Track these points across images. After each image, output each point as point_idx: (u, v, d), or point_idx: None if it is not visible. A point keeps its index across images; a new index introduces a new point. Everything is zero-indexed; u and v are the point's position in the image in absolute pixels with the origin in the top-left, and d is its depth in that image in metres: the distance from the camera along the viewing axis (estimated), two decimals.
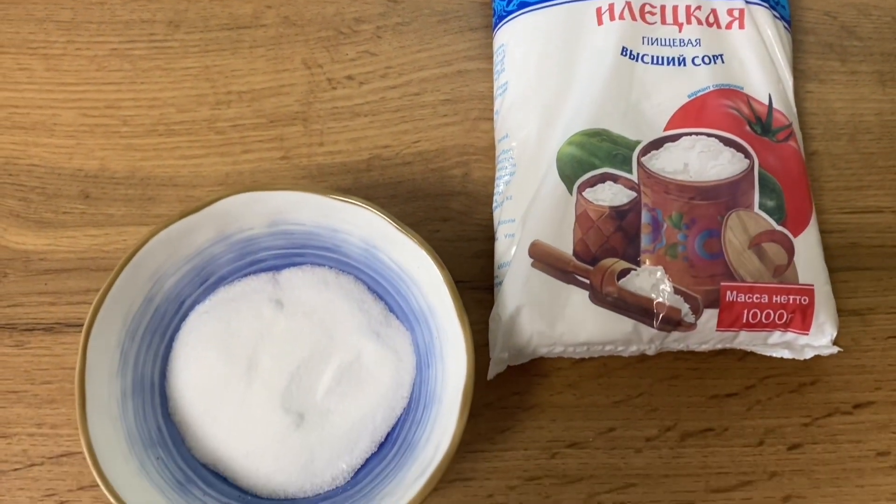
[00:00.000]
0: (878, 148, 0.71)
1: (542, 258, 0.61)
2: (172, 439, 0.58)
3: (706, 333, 0.61)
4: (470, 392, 0.53)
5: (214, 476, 0.58)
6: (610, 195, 0.62)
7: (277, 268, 0.63)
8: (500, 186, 0.66)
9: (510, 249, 0.63)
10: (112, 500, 0.50)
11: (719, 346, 0.63)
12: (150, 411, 0.58)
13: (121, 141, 0.70)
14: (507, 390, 0.64)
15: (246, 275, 0.63)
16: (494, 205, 0.66)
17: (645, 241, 0.61)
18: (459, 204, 0.69)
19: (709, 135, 0.64)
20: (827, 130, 0.72)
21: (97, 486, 0.61)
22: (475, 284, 0.67)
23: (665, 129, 0.64)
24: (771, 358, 0.65)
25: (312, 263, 0.63)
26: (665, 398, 0.64)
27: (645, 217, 0.62)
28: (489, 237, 0.68)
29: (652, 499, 0.62)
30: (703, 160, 0.63)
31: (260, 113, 0.71)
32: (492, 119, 0.71)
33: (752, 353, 0.65)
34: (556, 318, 0.61)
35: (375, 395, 0.60)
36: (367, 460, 0.59)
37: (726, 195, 0.62)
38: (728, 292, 0.61)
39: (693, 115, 0.65)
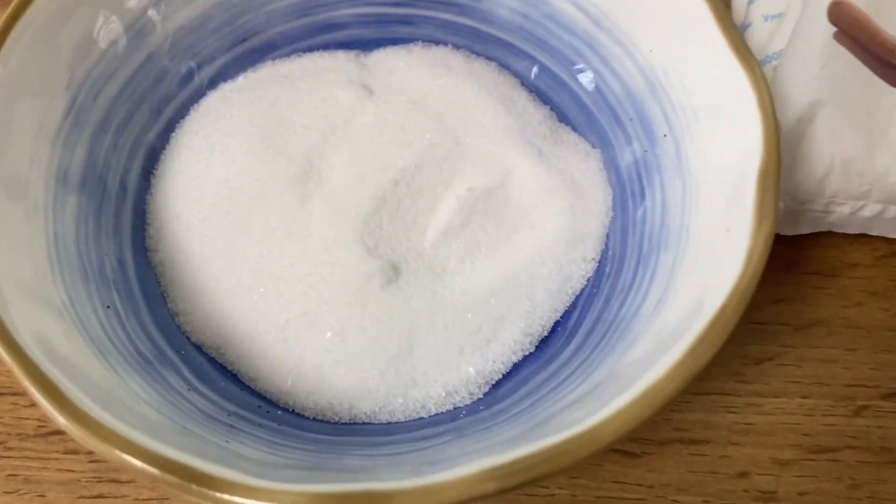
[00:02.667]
0: None
1: (852, 30, 0.34)
2: (144, 290, 0.30)
3: None
4: (775, 180, 0.25)
5: (215, 367, 0.30)
6: None
7: (365, 45, 0.37)
8: None
9: (776, 33, 0.36)
10: None
11: None
12: (111, 232, 0.31)
13: None
14: (764, 296, 0.35)
15: (311, 49, 0.36)
16: None
17: None
18: None
19: None
20: None
21: None
22: None
23: None
24: None
25: (426, 40, 0.37)
26: None
27: None
28: None
29: None
30: None
31: None
32: None
33: None
34: (877, 138, 0.33)
35: (534, 249, 0.31)
36: (516, 366, 0.30)
37: None
38: None
39: None
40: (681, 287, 0.26)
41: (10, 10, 0.28)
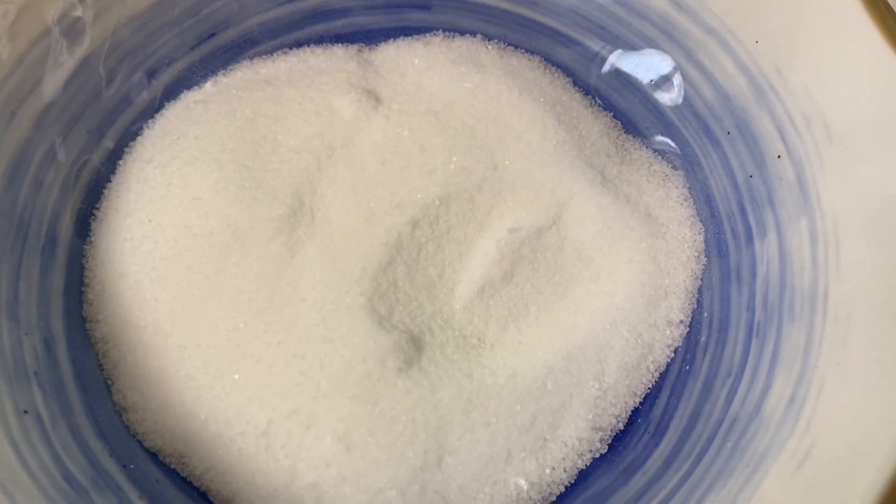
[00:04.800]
0: None
1: None
2: (80, 379, 0.23)
3: None
4: None
5: (175, 483, 0.22)
6: None
7: (370, 36, 0.29)
8: None
9: None
10: None
11: None
12: (34, 300, 0.23)
13: None
14: None
15: (301, 44, 0.28)
16: None
17: None
18: None
19: None
20: None
21: None
22: None
23: None
24: None
25: (449, 30, 0.28)
26: None
27: None
28: None
29: None
30: None
31: None
32: None
33: None
34: None
35: (602, 310, 0.24)
36: (584, 474, 0.22)
37: None
38: None
39: None
40: (828, 382, 0.19)
41: None
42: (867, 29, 0.20)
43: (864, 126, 0.20)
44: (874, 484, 0.15)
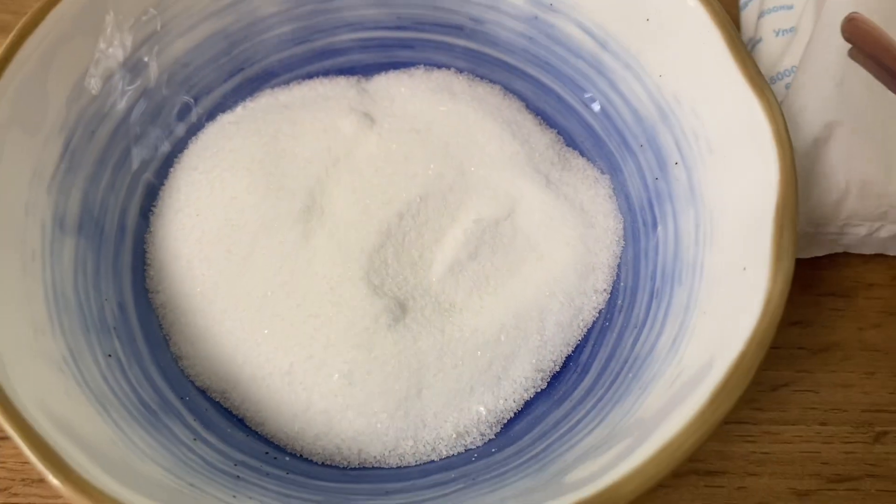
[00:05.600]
0: None
1: (867, 46, 0.33)
2: (146, 334, 0.30)
3: None
4: (792, 217, 0.25)
5: (220, 412, 0.29)
6: None
7: (366, 70, 0.36)
8: None
9: (788, 49, 0.35)
10: None
11: None
12: (110, 274, 0.30)
13: None
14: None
15: (311, 76, 0.36)
16: None
17: None
18: None
19: None
20: None
21: None
22: None
23: None
24: None
25: (428, 64, 0.36)
26: None
27: None
28: None
29: None
30: None
31: None
32: None
33: None
34: (895, 160, 0.32)
35: (544, 282, 0.31)
36: (528, 404, 0.29)
37: None
38: None
39: None
40: (697, 327, 0.26)
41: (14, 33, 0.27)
42: (732, 68, 0.27)
43: (730, 140, 0.27)
44: (708, 388, 0.22)
